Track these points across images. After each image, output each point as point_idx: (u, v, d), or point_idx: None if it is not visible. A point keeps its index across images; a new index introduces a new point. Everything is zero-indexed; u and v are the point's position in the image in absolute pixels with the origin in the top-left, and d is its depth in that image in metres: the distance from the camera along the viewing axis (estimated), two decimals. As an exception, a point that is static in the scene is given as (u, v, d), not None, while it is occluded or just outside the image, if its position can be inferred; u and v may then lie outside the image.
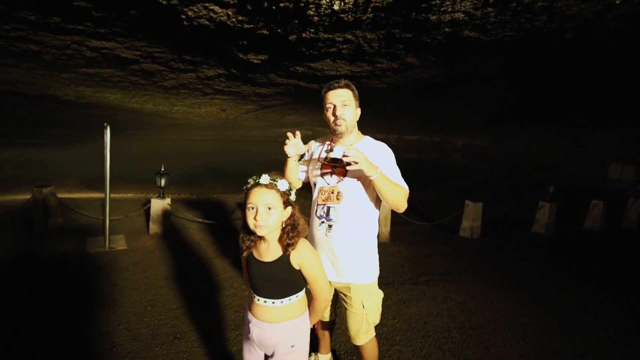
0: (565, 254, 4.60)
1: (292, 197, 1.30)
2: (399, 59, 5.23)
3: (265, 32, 4.00)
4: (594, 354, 2.41)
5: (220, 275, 3.46)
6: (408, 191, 1.62)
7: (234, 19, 3.68)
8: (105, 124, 3.78)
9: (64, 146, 15.66)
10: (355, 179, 1.63)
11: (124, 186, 8.41)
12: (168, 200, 4.65)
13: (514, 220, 6.29)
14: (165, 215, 4.65)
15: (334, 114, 1.61)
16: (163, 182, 4.56)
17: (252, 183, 1.25)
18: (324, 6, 3.36)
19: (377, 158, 1.62)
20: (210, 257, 3.94)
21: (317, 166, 1.74)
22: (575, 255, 4.59)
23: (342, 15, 3.57)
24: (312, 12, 3.48)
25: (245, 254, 1.36)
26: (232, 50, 4.74)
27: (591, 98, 8.58)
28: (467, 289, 3.36)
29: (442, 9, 3.41)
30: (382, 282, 3.36)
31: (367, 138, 1.73)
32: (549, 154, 16.76)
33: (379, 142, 1.71)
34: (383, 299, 1.79)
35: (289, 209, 1.28)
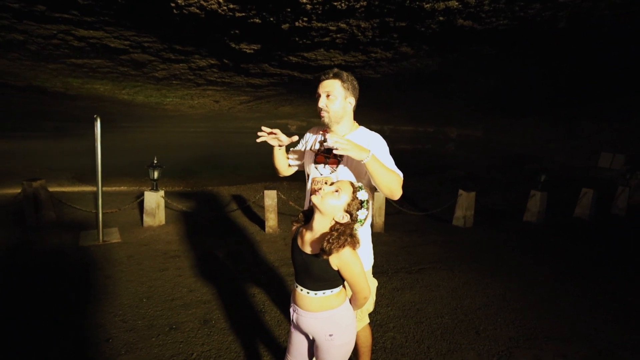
0: (555, 242, 4.70)
1: (361, 216, 1.27)
2: (393, 48, 5.19)
3: (257, 20, 3.93)
4: (581, 337, 2.49)
5: (215, 266, 3.47)
6: (402, 178, 1.60)
7: (225, 7, 3.60)
8: (95, 116, 3.71)
9: (55, 139, 15.38)
10: (348, 169, 1.62)
11: (117, 179, 8.33)
12: (162, 193, 4.62)
13: (506, 209, 6.38)
14: (159, 207, 4.63)
15: (319, 105, 1.60)
16: (156, 174, 4.53)
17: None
18: (317, -6, 3.30)
19: (370, 148, 1.60)
20: (204, 248, 3.94)
21: (310, 156, 1.74)
22: (565, 242, 4.69)
23: (335, 3, 3.51)
24: (304, 0, 3.42)
25: (294, 227, 1.40)
26: (224, 39, 4.65)
27: (583, 89, 8.64)
28: (459, 276, 3.42)
29: (436, -3, 3.37)
30: (377, 271, 3.41)
31: (362, 128, 1.72)
32: (541, 144, 16.92)
33: (372, 132, 1.71)
34: (377, 287, 1.82)
35: (348, 217, 1.25)
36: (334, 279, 1.28)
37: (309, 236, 1.30)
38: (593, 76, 7.23)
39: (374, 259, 1.79)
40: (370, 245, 1.74)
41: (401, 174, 1.61)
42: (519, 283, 3.32)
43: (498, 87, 9.04)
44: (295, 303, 1.35)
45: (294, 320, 1.36)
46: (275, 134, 1.66)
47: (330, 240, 1.19)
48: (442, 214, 5.62)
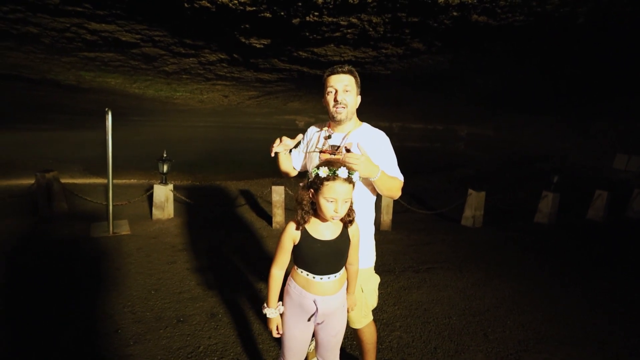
0: (567, 244, 4.60)
1: (321, 173, 1.31)
2: (405, 44, 5.11)
3: (268, 15, 3.90)
4: (594, 343, 2.43)
5: (223, 261, 3.50)
6: (403, 181, 1.65)
7: (235, 1, 3.58)
8: (106, 109, 3.75)
9: (67, 131, 15.66)
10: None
11: (127, 172, 8.45)
12: (170, 187, 4.66)
13: (517, 209, 6.27)
14: (168, 201, 4.67)
15: (335, 99, 1.57)
16: (165, 168, 4.57)
17: (327, 175, 1.25)
18: (329, -12, 3.26)
19: (375, 146, 1.60)
20: (212, 242, 3.97)
21: (315, 154, 1.72)
22: (577, 245, 4.59)
23: (347, -2, 3.46)
24: (316, -6, 3.38)
25: (298, 231, 1.36)
26: (234, 34, 4.64)
27: (598, 86, 8.40)
28: (467, 276, 3.38)
29: (450, -9, 3.29)
30: (383, 270, 3.39)
31: (365, 125, 1.70)
32: (553, 144, 16.56)
33: (376, 129, 1.69)
34: (384, 285, 1.81)
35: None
36: (348, 252, 1.43)
37: (324, 226, 1.36)
38: (610, 73, 7.01)
39: (381, 257, 1.80)
40: (373, 241, 1.74)
41: (402, 178, 1.66)
42: (529, 285, 3.26)
43: (510, 84, 8.86)
44: (318, 295, 1.36)
45: (320, 311, 1.37)
46: (281, 141, 1.63)
47: (350, 213, 1.36)
48: (450, 213, 5.55)
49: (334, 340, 1.48)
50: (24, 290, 2.73)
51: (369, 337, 1.78)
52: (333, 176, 1.25)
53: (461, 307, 2.80)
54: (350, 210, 1.37)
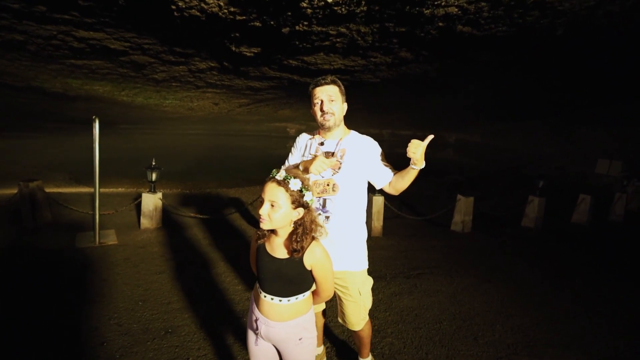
0: (553, 248, 4.70)
1: (307, 199, 1.24)
2: (393, 53, 5.22)
3: (257, 24, 3.94)
4: (580, 344, 2.48)
5: (212, 270, 3.45)
6: None
7: (225, 10, 3.62)
8: (94, 117, 3.70)
9: (53, 140, 15.33)
10: (350, 171, 1.67)
11: (115, 181, 8.29)
12: (159, 195, 4.59)
13: (505, 214, 6.38)
14: (157, 210, 4.60)
15: (321, 109, 1.63)
16: (154, 176, 4.51)
17: (270, 176, 1.23)
18: (318, -2, 3.32)
19: (368, 151, 1.71)
20: (202, 252, 3.92)
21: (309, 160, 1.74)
22: (563, 248, 4.69)
23: (335, 8, 3.53)
24: (305, 4, 3.44)
25: (257, 243, 1.33)
26: (224, 42, 4.66)
27: (579, 95, 8.70)
28: (458, 282, 3.41)
29: (435, 2, 3.40)
30: (375, 276, 3.39)
31: (353, 132, 1.78)
32: (539, 150, 16.99)
33: (365, 136, 1.77)
34: (375, 292, 1.87)
35: (301, 210, 1.23)
36: (307, 282, 1.30)
37: (277, 242, 1.27)
38: (589, 83, 7.28)
39: (372, 263, 1.84)
40: (365, 246, 1.79)
41: None
42: (517, 289, 3.31)
43: (495, 92, 9.10)
44: (262, 314, 1.28)
45: (262, 333, 1.30)
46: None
47: (298, 239, 1.21)
48: (440, 219, 5.62)
49: None
50: (6, 302, 2.64)
51: (366, 333, 1.91)
52: (270, 177, 1.21)
53: (452, 312, 2.82)
54: (298, 235, 1.22)
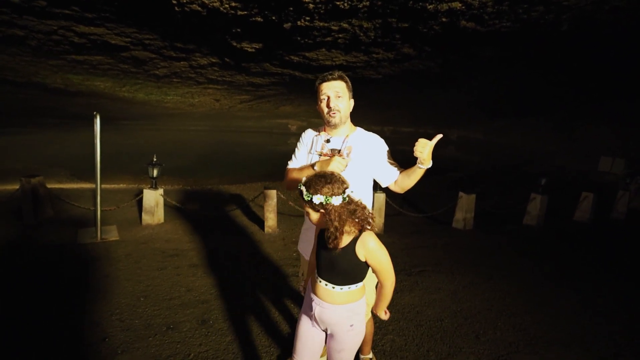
0: (555, 245, 4.68)
1: (335, 202, 1.23)
2: (395, 49, 5.18)
3: (259, 19, 3.91)
4: (582, 342, 2.47)
5: (213, 266, 3.45)
6: None
7: (227, 5, 3.59)
8: (95, 112, 3.69)
9: (54, 136, 15.35)
10: (356, 168, 1.65)
11: (116, 177, 8.30)
12: (161, 191, 4.59)
13: (506, 212, 6.37)
14: (158, 206, 4.61)
15: (328, 106, 1.61)
16: (155, 172, 4.50)
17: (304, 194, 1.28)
18: (320, -7, 3.28)
19: (374, 149, 1.68)
20: (203, 248, 3.92)
21: (314, 157, 1.73)
22: (565, 246, 4.67)
23: (338, 3, 3.50)
24: (307, -1, 3.40)
25: (318, 231, 1.40)
26: (225, 38, 4.63)
27: (583, 91, 8.63)
28: (459, 279, 3.40)
29: (439, -2, 3.36)
30: (376, 273, 3.39)
31: (360, 129, 1.76)
32: (541, 147, 16.91)
33: (371, 133, 1.75)
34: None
35: (321, 211, 1.28)
36: (360, 271, 1.33)
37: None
38: (595, 77, 7.21)
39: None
40: None
41: None
42: (519, 287, 3.30)
43: (499, 87, 9.04)
44: (318, 297, 1.35)
45: (316, 314, 1.37)
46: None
47: (332, 229, 1.22)
48: (442, 216, 5.60)
49: (337, 355, 1.41)
50: (8, 298, 2.65)
51: (368, 330, 1.91)
52: (304, 197, 1.27)
53: (453, 310, 2.82)
54: (336, 222, 1.23)
